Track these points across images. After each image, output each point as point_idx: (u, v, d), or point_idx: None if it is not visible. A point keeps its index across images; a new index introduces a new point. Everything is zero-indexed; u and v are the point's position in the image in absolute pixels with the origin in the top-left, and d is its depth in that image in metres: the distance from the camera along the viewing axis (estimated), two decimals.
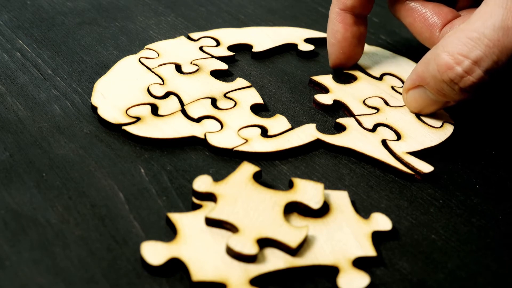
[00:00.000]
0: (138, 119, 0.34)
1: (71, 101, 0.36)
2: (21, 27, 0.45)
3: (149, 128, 0.33)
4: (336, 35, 0.38)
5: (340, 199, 0.29)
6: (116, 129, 0.34)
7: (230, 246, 0.26)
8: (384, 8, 0.43)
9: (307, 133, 0.34)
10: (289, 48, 0.44)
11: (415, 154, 0.33)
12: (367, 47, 0.43)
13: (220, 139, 0.33)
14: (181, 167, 0.32)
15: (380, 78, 0.39)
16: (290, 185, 0.30)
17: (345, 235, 0.27)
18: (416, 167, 0.32)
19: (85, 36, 0.44)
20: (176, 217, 0.28)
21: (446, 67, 0.31)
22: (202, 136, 0.33)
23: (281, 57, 0.43)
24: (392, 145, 0.33)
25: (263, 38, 0.44)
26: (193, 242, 0.26)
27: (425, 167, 0.32)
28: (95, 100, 0.35)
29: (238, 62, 0.42)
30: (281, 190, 0.29)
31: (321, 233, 0.27)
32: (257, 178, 0.30)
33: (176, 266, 0.26)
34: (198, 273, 0.25)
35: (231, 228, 0.27)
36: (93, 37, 0.44)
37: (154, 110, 0.35)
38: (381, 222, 0.28)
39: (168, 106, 0.35)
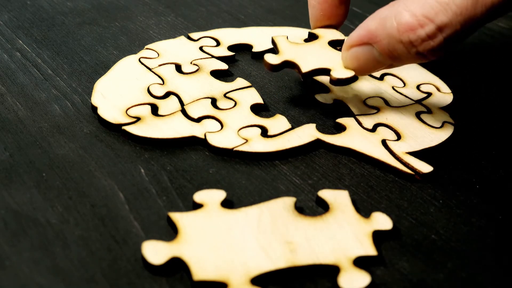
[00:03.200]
0: (138, 119, 0.34)
1: (71, 101, 0.36)
2: (21, 27, 0.45)
3: (149, 128, 0.33)
4: None
5: (341, 198, 0.29)
6: (116, 129, 0.34)
7: None
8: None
9: (307, 133, 0.34)
10: None
11: (415, 154, 0.33)
12: None
13: (220, 139, 0.33)
14: (181, 167, 0.32)
15: (381, 78, 0.39)
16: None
17: (346, 235, 0.27)
18: (416, 167, 0.32)
19: (85, 36, 0.44)
20: (177, 217, 0.28)
21: (408, 28, 0.29)
22: (202, 136, 0.33)
23: None
24: (392, 145, 0.33)
25: (263, 38, 0.44)
26: (194, 241, 0.26)
27: (425, 167, 0.32)
28: (95, 100, 0.35)
29: (238, 62, 0.42)
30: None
31: (321, 232, 0.27)
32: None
33: (177, 266, 0.26)
34: (199, 273, 0.25)
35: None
36: (93, 37, 0.44)
37: (154, 110, 0.35)
38: (382, 221, 0.28)
39: (168, 106, 0.35)
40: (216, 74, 0.39)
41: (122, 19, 0.47)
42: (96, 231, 0.28)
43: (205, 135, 0.33)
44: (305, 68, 0.34)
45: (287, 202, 0.29)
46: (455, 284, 0.26)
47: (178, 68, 0.39)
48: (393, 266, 0.27)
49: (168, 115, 0.35)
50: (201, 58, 0.40)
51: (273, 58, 0.35)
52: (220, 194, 0.29)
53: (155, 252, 0.26)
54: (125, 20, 0.46)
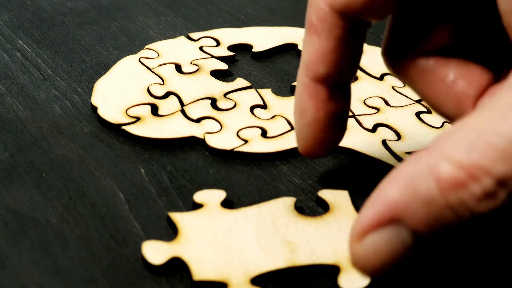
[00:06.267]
0: (138, 119, 0.34)
1: (71, 101, 0.36)
2: (21, 27, 0.45)
3: (149, 128, 0.33)
4: (305, 116, 0.27)
5: (341, 198, 0.29)
6: (116, 129, 0.34)
7: None
8: None
9: None
10: (289, 48, 0.44)
11: None
12: (366, 47, 0.43)
13: (219, 141, 0.33)
14: (181, 167, 0.32)
15: (380, 78, 0.39)
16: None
17: (346, 235, 0.27)
18: None
19: (85, 36, 0.44)
20: (177, 217, 0.28)
21: (454, 184, 0.19)
22: (202, 137, 0.33)
23: (281, 57, 0.43)
24: (392, 145, 0.33)
25: (263, 38, 0.44)
26: (194, 241, 0.26)
27: None
28: (95, 100, 0.35)
29: (238, 62, 0.42)
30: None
31: (321, 232, 0.27)
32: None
33: (177, 266, 0.26)
34: (199, 273, 0.25)
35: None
36: (93, 37, 0.44)
37: (154, 110, 0.35)
38: None
39: (168, 106, 0.35)
40: (216, 74, 0.39)
41: (122, 19, 0.47)
42: (96, 231, 0.28)
43: (204, 136, 0.33)
44: None
45: (287, 202, 0.29)
46: (455, 284, 0.26)
47: (178, 68, 0.39)
48: None
49: (168, 115, 0.35)
50: (201, 58, 0.40)
51: (263, 114, 0.35)
52: (220, 194, 0.29)
53: (155, 252, 0.26)
54: (125, 20, 0.46)
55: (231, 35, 0.43)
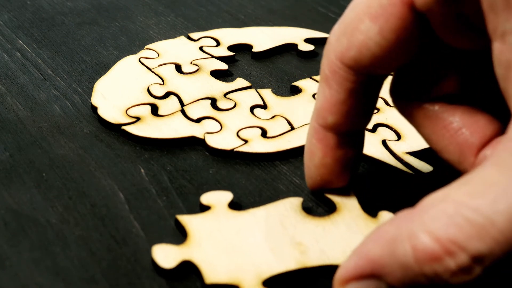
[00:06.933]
0: (138, 119, 0.34)
1: (71, 101, 0.36)
2: (21, 27, 0.45)
3: (149, 128, 0.33)
4: (313, 158, 0.28)
5: (346, 198, 0.29)
6: (116, 129, 0.34)
7: None
8: None
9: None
10: (289, 48, 0.44)
11: (415, 154, 0.33)
12: None
13: (219, 141, 0.33)
14: (181, 167, 0.32)
15: None
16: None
17: (355, 235, 0.27)
18: (416, 167, 0.32)
19: (85, 36, 0.44)
20: (186, 219, 0.27)
21: (430, 257, 0.19)
22: (202, 137, 0.33)
23: (281, 57, 0.43)
24: (392, 145, 0.33)
25: (263, 38, 0.44)
26: (204, 244, 0.26)
27: (425, 167, 0.32)
28: (95, 100, 0.35)
29: (238, 62, 0.42)
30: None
31: (330, 233, 0.27)
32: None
33: (188, 269, 0.26)
34: (211, 276, 0.25)
35: None
36: (93, 37, 0.44)
37: (154, 110, 0.35)
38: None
39: (168, 106, 0.35)
40: (216, 74, 0.39)
41: (122, 19, 0.47)
42: (96, 231, 0.28)
43: (204, 136, 0.33)
44: (297, 125, 0.34)
45: (294, 203, 0.29)
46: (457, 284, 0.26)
47: (178, 68, 0.39)
48: None
49: (168, 115, 0.35)
50: (201, 58, 0.40)
51: (263, 114, 0.35)
52: (227, 196, 0.29)
53: (166, 256, 0.26)
54: (125, 20, 0.46)
55: (231, 35, 0.43)
